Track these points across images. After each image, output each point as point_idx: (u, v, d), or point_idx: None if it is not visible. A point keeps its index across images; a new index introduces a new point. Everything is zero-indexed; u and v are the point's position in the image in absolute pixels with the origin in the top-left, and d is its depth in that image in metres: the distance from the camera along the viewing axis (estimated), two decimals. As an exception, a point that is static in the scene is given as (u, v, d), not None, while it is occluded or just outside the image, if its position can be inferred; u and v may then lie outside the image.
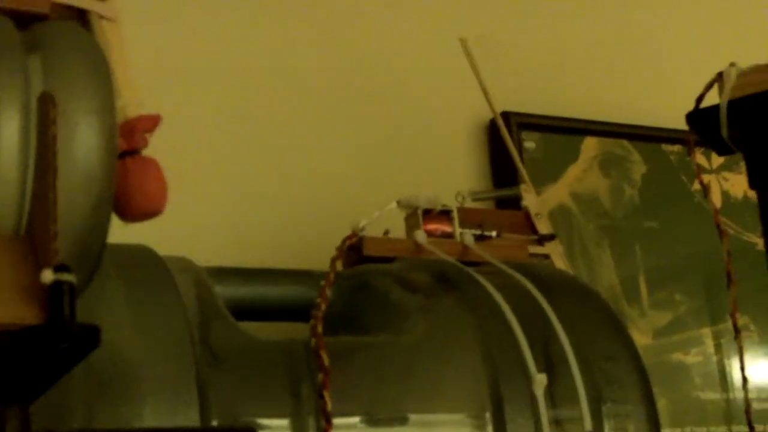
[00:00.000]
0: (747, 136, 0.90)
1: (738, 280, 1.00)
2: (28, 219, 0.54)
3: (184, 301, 0.76)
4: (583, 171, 1.40)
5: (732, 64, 0.90)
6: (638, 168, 1.44)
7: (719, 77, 0.91)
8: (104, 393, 0.69)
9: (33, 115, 0.54)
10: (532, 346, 0.83)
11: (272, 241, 1.17)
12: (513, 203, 1.14)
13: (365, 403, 0.79)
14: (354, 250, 0.95)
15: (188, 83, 1.19)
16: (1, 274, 0.51)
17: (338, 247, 0.90)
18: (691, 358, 1.39)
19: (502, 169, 1.33)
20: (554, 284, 0.92)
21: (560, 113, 1.40)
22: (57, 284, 0.49)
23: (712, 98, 0.93)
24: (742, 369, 0.99)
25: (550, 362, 0.84)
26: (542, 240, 1.06)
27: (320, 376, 0.75)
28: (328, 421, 0.74)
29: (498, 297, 0.86)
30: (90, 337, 0.50)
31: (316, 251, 0.95)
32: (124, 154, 0.60)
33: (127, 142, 0.60)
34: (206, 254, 0.90)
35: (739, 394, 1.36)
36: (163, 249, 0.81)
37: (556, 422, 0.81)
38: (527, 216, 1.08)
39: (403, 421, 0.79)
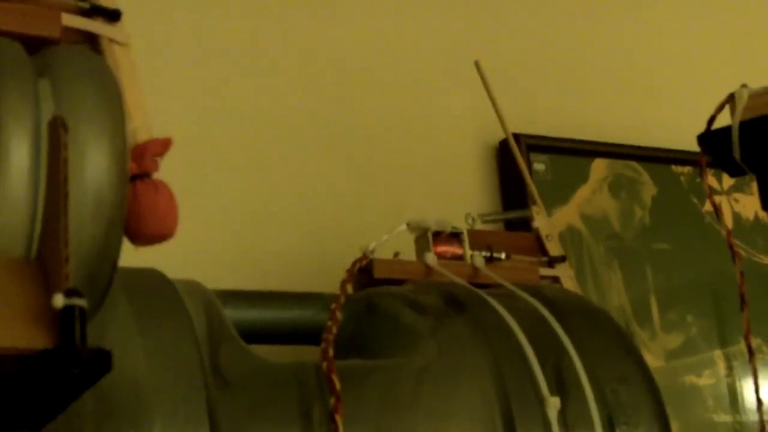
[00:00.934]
0: (759, 157, 0.89)
1: (749, 301, 0.99)
2: (38, 243, 0.54)
3: (194, 325, 0.76)
4: (593, 192, 1.40)
5: (743, 86, 0.90)
6: (648, 189, 1.43)
7: (730, 98, 0.91)
8: (114, 417, 0.69)
9: (44, 139, 0.54)
10: (544, 369, 0.82)
11: (282, 264, 1.17)
12: (523, 225, 1.13)
13: (377, 427, 0.78)
14: (364, 272, 0.95)
15: (198, 106, 1.19)
16: (12, 299, 0.51)
17: (348, 269, 0.90)
18: (704, 380, 1.38)
19: (511, 190, 1.33)
20: (565, 306, 0.91)
21: (569, 135, 1.39)
22: (68, 309, 0.49)
23: (721, 120, 0.92)
24: (757, 391, 0.98)
25: (563, 385, 0.83)
26: (552, 262, 1.06)
27: (332, 400, 0.75)
28: (340, 445, 0.73)
29: (509, 319, 0.86)
30: (101, 361, 0.50)
31: (326, 274, 0.95)
32: (134, 178, 0.60)
33: (137, 165, 0.60)
34: (216, 277, 0.90)
35: (752, 416, 1.35)
36: (173, 272, 0.81)
37: (569, 446, 0.81)
38: (537, 238, 1.07)
39: (414, 444, 0.79)
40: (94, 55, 0.60)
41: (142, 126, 0.62)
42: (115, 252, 0.57)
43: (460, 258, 1.00)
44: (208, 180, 1.16)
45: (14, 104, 0.54)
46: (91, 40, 0.66)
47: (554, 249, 1.07)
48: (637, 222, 1.41)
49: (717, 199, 1.33)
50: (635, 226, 1.41)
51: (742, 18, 1.63)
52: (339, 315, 0.82)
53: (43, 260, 0.53)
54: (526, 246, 1.06)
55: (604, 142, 1.42)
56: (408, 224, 0.99)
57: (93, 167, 0.54)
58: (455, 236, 1.01)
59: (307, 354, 0.85)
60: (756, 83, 0.91)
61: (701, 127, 0.93)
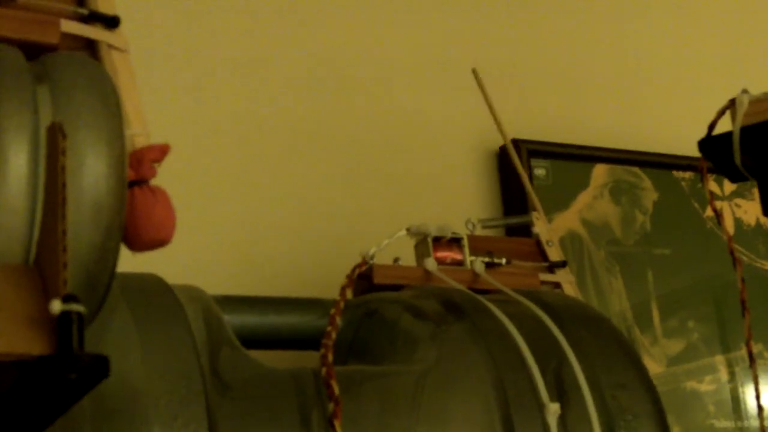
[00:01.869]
0: (760, 163, 0.89)
1: (750, 307, 0.99)
2: (37, 249, 0.54)
3: (193, 330, 0.76)
4: (594, 198, 1.40)
5: (744, 91, 0.90)
6: (649, 195, 1.43)
7: (731, 104, 0.91)
8: (112, 423, 0.69)
9: (42, 145, 0.54)
10: (544, 375, 0.82)
11: (282, 270, 1.17)
12: (523, 230, 1.13)
13: (376, 433, 0.78)
14: (364, 278, 0.95)
15: (197, 112, 1.19)
16: (10, 305, 0.51)
17: (348, 275, 0.90)
18: (705, 386, 1.38)
19: (511, 196, 1.33)
20: (566, 312, 0.91)
21: (570, 140, 1.39)
22: (65, 315, 0.49)
23: (722, 125, 0.92)
24: (758, 397, 0.98)
25: (563, 390, 0.83)
26: (553, 267, 1.06)
27: (330, 406, 0.74)
28: (339, 451, 0.73)
29: (509, 325, 0.86)
30: (99, 367, 0.50)
31: (326, 279, 0.95)
32: (132, 184, 0.60)
33: (135, 171, 0.60)
34: (215, 283, 0.90)
35: (754, 422, 1.35)
36: (172, 278, 0.81)
37: (568, 452, 0.81)
38: (538, 243, 1.07)
39: (414, 450, 0.79)
40: (92, 62, 0.60)
41: (140, 132, 0.62)
42: (113, 258, 0.57)
43: (460, 263, 1.00)
44: (207, 185, 1.16)
45: (13, 110, 0.54)
46: (90, 47, 0.66)
47: (555, 254, 1.07)
48: (638, 227, 1.41)
49: (718, 204, 1.33)
50: (636, 231, 1.41)
51: (743, 24, 1.63)
52: (338, 320, 0.82)
53: (42, 266, 0.53)
54: (526, 251, 1.06)
55: (605, 147, 1.42)
56: (408, 230, 0.99)
57: (91, 173, 0.54)
58: (455, 242, 1.00)
59: (307, 359, 0.85)
60: (756, 88, 0.91)
61: (702, 133, 0.93)
